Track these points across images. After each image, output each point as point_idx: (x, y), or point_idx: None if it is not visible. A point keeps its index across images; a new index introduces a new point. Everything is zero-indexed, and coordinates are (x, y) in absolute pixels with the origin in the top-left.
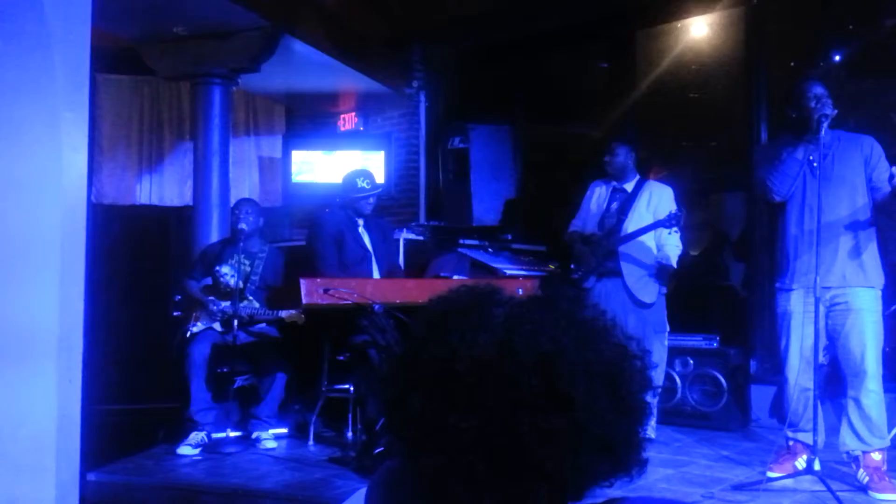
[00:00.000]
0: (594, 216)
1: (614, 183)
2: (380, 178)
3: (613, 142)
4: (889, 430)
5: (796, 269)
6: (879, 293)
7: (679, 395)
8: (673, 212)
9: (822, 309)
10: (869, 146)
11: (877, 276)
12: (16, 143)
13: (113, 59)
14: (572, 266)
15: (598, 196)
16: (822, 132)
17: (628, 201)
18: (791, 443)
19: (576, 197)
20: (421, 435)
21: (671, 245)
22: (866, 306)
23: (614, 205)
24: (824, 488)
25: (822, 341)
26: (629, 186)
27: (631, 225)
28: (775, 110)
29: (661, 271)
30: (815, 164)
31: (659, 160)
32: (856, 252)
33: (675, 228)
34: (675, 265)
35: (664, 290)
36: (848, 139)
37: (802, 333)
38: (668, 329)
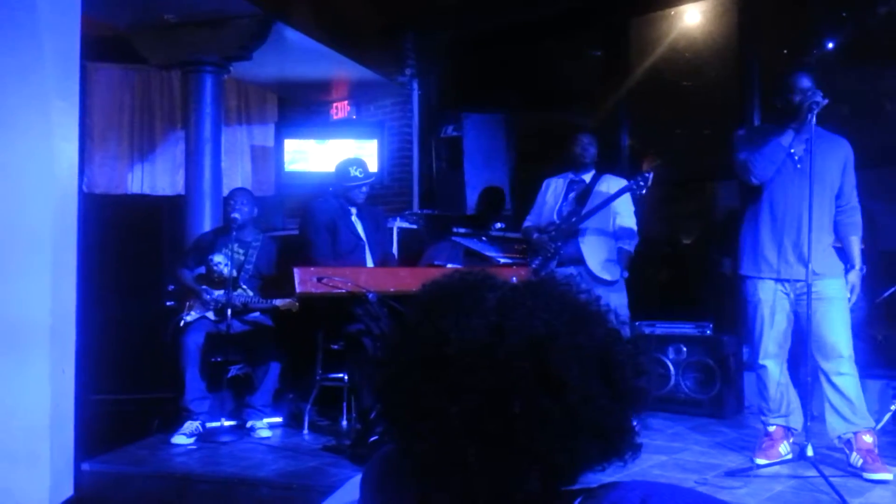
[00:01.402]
0: (551, 208)
1: (571, 175)
2: (373, 166)
3: (586, 132)
4: (879, 416)
5: (770, 258)
6: (844, 281)
7: (672, 382)
8: (641, 173)
9: (791, 297)
10: (847, 150)
11: (841, 265)
12: (6, 132)
13: (103, 47)
14: (529, 257)
15: (554, 188)
16: (812, 119)
17: (587, 190)
18: (772, 428)
19: None
20: (413, 419)
21: (627, 231)
22: (838, 294)
23: (571, 195)
24: (817, 474)
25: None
26: (587, 177)
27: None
28: (768, 97)
29: (620, 255)
30: (796, 157)
31: (652, 148)
32: (828, 243)
33: (632, 211)
34: (631, 250)
35: (625, 273)
36: (828, 138)
37: (778, 320)
38: (628, 314)
